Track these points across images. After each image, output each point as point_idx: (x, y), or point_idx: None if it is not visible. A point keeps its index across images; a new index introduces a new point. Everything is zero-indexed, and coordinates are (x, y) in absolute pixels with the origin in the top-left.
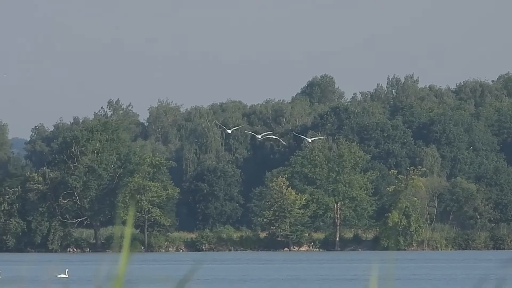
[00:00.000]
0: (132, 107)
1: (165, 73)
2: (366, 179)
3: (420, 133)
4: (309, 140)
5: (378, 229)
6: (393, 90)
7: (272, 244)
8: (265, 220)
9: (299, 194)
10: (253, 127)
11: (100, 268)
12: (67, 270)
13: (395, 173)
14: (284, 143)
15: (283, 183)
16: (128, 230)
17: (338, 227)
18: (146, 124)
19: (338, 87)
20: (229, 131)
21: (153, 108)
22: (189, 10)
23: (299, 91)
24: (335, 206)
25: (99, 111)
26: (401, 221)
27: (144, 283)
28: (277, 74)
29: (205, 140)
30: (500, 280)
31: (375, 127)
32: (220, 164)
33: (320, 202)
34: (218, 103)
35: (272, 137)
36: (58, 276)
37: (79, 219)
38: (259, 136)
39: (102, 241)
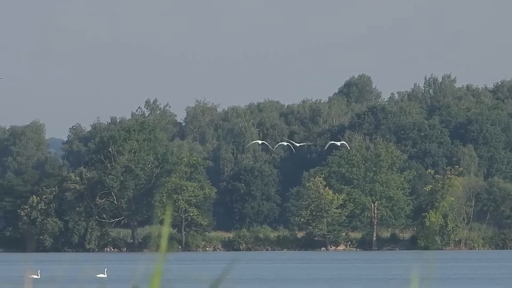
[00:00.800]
0: (170, 107)
1: (203, 73)
2: (403, 179)
3: (457, 132)
4: (338, 144)
5: (415, 228)
6: (430, 90)
7: (309, 243)
8: (302, 219)
9: (336, 193)
10: (290, 126)
11: (138, 268)
12: (106, 269)
13: (432, 173)
14: (315, 147)
15: (320, 183)
16: (166, 230)
17: (375, 227)
18: (183, 124)
19: (375, 87)
20: (273, 148)
21: (190, 108)
22: (226, 10)
23: (336, 91)
24: (372, 206)
25: (136, 111)
26: (437, 220)
27: (181, 283)
28: (314, 74)
29: (242, 140)
30: None
31: (412, 127)
32: (257, 164)
33: (357, 202)
34: (256, 103)
35: (307, 144)
36: (97, 275)
37: (116, 219)
38: (298, 145)
39: (140, 241)
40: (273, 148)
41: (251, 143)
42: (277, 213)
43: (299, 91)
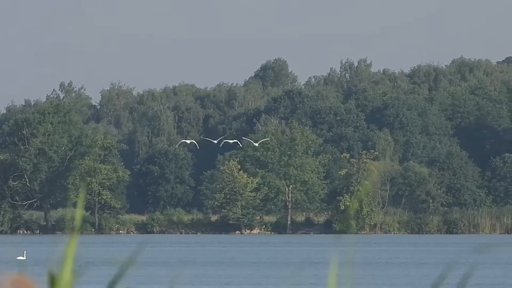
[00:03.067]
0: (85, 89)
1: (118, 56)
2: (318, 163)
3: (373, 117)
4: (256, 144)
5: (330, 212)
6: (347, 74)
7: (224, 227)
8: (216, 203)
9: (251, 177)
10: (206, 110)
11: (55, 250)
12: (25, 251)
13: (347, 157)
14: (240, 145)
15: (235, 167)
16: (79, 212)
17: (289, 211)
18: (98, 107)
19: (291, 71)
20: (186, 142)
21: (105, 91)
22: None
23: (253, 74)
24: (287, 190)
25: (51, 94)
26: (353, 205)
27: (94, 265)
28: (230, 57)
29: (157, 123)
30: (455, 265)
31: (328, 111)
32: (171, 147)
33: (272, 186)
34: (171, 86)
35: (229, 142)
36: (17, 258)
37: (29, 201)
38: (215, 141)
39: (53, 223)
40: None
41: (180, 141)
42: (191, 196)
43: (214, 74)
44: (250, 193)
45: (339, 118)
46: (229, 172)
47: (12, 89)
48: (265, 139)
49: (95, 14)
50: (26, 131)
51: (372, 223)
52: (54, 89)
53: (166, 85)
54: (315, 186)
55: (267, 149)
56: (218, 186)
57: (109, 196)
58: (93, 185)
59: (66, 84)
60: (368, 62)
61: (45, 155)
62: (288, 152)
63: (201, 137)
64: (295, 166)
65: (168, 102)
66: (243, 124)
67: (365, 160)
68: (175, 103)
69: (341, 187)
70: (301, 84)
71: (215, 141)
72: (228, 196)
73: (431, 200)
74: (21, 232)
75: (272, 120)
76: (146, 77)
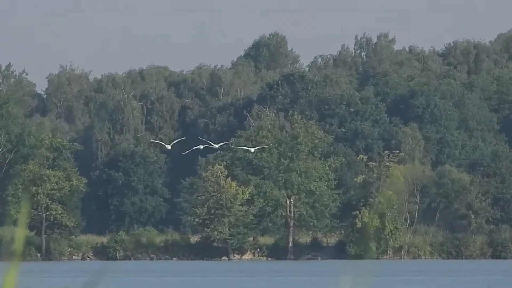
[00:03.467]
0: (27, 74)
1: (69, 32)
2: (327, 167)
3: (397, 108)
4: (217, 146)
5: (343, 232)
6: (363, 54)
7: (207, 251)
8: (197, 219)
9: (242, 186)
10: (182, 100)
11: None
12: None
13: (365, 160)
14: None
15: (221, 172)
16: (21, 232)
17: (291, 229)
18: (45, 96)
19: (292, 49)
20: (169, 147)
21: (53, 76)
22: None
23: (242, 54)
24: (288, 202)
25: None
26: (372, 222)
27: None
28: (214, 33)
29: (120, 117)
30: None
31: (340, 101)
32: (139, 147)
33: (268, 197)
34: (137, 70)
35: (214, 146)
36: None
37: None
38: (217, 146)
39: None
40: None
41: (152, 140)
42: (165, 211)
43: (193, 54)
44: (240, 206)
45: (353, 109)
46: (213, 179)
47: None
48: (263, 146)
49: None
50: None
51: (397, 246)
52: None
53: (131, 67)
54: (324, 198)
55: (262, 149)
56: (199, 198)
57: (60, 211)
58: (39, 197)
59: (4, 68)
60: (390, 37)
61: None
62: (289, 154)
63: (173, 143)
64: (298, 172)
65: (134, 89)
66: (230, 118)
67: (387, 163)
68: (142, 91)
69: (358, 198)
70: (305, 66)
71: (201, 147)
72: (212, 211)
73: (473, 216)
74: None
75: (268, 113)
76: (105, 57)
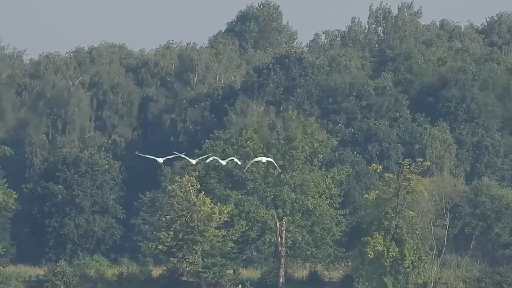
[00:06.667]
0: None
1: None
2: (330, 180)
3: (422, 101)
4: (193, 162)
5: (350, 263)
6: (379, 29)
7: (173, 286)
8: (160, 247)
9: (219, 203)
10: (144, 89)
11: None
12: None
13: (379, 170)
14: (237, 162)
15: (192, 185)
16: None
17: (283, 260)
18: None
19: (287, 23)
20: (194, 161)
21: None
22: None
23: (223, 29)
24: (278, 225)
25: None
26: (388, 251)
27: None
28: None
29: (63, 112)
30: None
31: (348, 91)
32: (86, 152)
33: (253, 218)
34: (86, 48)
35: (191, 162)
36: None
37: None
38: (160, 160)
39: None
40: (194, 163)
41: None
42: (119, 235)
43: (158, 29)
44: (217, 230)
45: (365, 103)
46: (182, 194)
47: None
48: (258, 159)
49: None
50: None
51: (420, 282)
52: None
53: (77, 45)
54: (325, 220)
55: (245, 155)
56: (163, 219)
57: None
58: None
59: None
60: (415, 9)
61: None
62: (281, 162)
63: (199, 159)
64: (292, 186)
65: (81, 74)
66: (205, 113)
67: (408, 175)
68: (92, 77)
69: (369, 221)
70: (303, 45)
71: (160, 160)
72: (180, 236)
73: None
74: None
75: (254, 107)
76: (43, 33)
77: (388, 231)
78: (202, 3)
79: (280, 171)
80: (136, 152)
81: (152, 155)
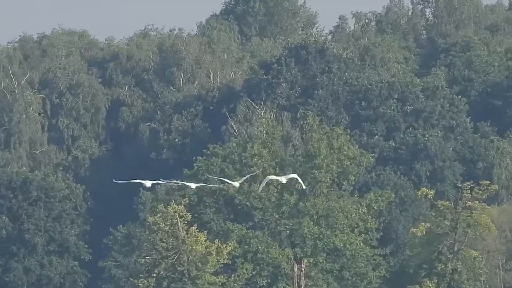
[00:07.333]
0: None
1: None
2: (365, 209)
3: (487, 106)
4: (194, 186)
5: None
6: (427, 10)
7: None
8: None
9: (216, 241)
10: (114, 89)
11: None
12: None
13: (430, 196)
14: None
15: (179, 216)
16: None
17: None
18: None
19: (304, 2)
20: (237, 184)
21: None
22: None
23: (217, 10)
24: (296, 269)
25: None
26: None
27: None
28: None
29: (6, 119)
30: None
31: (387, 93)
32: (38, 172)
33: (263, 260)
34: (35, 36)
35: (190, 186)
36: None
37: None
38: (148, 184)
39: None
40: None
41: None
42: (85, 282)
43: (134, 11)
44: (213, 277)
45: (411, 108)
46: (167, 229)
47: None
48: (277, 177)
49: None
50: None
51: None
52: None
53: (23, 32)
54: (358, 262)
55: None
56: (143, 261)
57: None
58: None
59: None
60: None
61: None
62: (298, 185)
63: (244, 179)
64: (315, 217)
65: (29, 70)
66: (196, 121)
67: (470, 202)
68: (43, 74)
69: (418, 263)
70: (326, 31)
71: (148, 183)
72: (165, 284)
73: None
74: None
75: (262, 113)
76: None
77: (442, 277)
78: None
79: (305, 187)
80: (114, 180)
81: (130, 178)
